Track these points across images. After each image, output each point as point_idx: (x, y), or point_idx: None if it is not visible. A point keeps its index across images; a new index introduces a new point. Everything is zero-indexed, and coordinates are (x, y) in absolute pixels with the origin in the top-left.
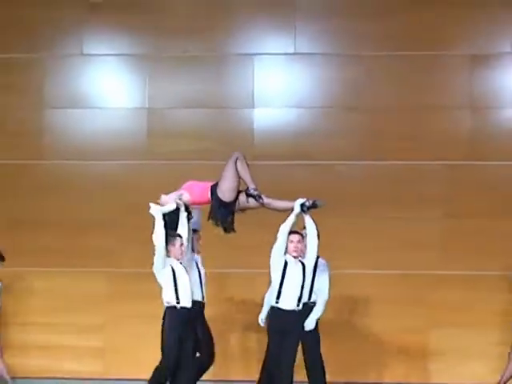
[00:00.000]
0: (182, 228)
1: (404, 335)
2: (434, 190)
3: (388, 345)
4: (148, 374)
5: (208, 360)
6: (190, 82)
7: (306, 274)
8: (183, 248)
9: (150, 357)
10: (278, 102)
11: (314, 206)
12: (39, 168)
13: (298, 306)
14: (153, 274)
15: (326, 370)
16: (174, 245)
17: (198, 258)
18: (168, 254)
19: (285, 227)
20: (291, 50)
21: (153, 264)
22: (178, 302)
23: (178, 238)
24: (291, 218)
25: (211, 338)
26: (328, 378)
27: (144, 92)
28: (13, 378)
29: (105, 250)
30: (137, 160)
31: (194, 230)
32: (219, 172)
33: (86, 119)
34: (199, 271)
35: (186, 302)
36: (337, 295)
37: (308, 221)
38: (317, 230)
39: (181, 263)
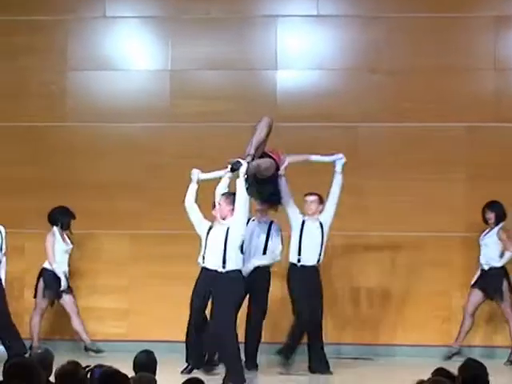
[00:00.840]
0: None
1: (430, 297)
2: (458, 152)
3: (412, 306)
4: (172, 336)
5: None
6: (213, 43)
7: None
8: None
9: (174, 318)
10: (300, 64)
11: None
12: (62, 130)
13: None
14: (176, 236)
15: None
16: None
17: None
18: None
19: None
20: (314, 12)
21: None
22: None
23: None
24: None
25: None
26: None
27: (166, 54)
28: (41, 340)
29: (128, 212)
30: (159, 122)
31: None
32: (241, 133)
33: (109, 81)
34: None
35: None
36: (367, 257)
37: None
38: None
39: None
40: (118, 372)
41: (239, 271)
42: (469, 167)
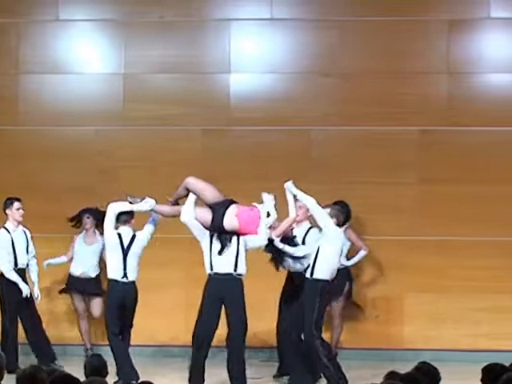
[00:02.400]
0: None
1: (378, 300)
2: (410, 155)
3: (368, 309)
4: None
5: None
6: (166, 47)
7: None
8: None
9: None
10: (254, 68)
11: None
12: (14, 134)
13: None
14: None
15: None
16: None
17: None
18: None
19: None
20: (267, 16)
21: None
22: None
23: None
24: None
25: None
26: None
27: (120, 57)
28: None
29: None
30: (112, 126)
31: None
32: (194, 137)
33: (62, 85)
34: None
35: None
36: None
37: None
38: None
39: None
40: (68, 375)
41: None
42: (421, 171)
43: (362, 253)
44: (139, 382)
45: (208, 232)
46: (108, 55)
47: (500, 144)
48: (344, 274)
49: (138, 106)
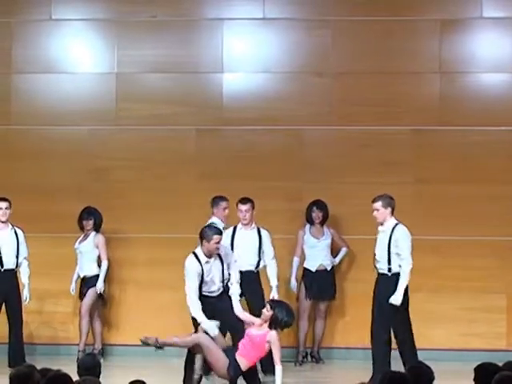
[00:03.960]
0: None
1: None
2: (402, 155)
3: (355, 309)
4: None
5: None
6: (159, 46)
7: None
8: None
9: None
10: (246, 67)
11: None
12: (7, 133)
13: None
14: (121, 239)
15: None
16: None
17: None
18: None
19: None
20: (260, 15)
21: None
22: None
23: None
24: None
25: None
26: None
27: (113, 57)
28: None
29: (72, 216)
30: (105, 125)
31: None
32: (187, 136)
33: (54, 84)
34: None
35: None
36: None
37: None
38: None
39: None
40: (63, 375)
41: None
42: (414, 170)
43: (344, 250)
44: (131, 381)
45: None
46: (101, 55)
47: (492, 144)
48: (333, 274)
49: (130, 106)
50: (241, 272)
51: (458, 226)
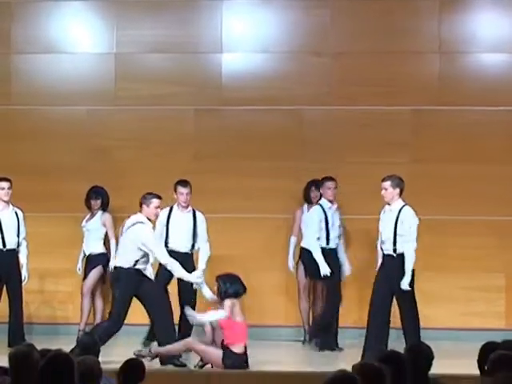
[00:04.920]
0: None
1: (371, 279)
2: (401, 135)
3: (353, 289)
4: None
5: None
6: (158, 26)
7: None
8: None
9: None
10: (245, 47)
11: None
12: (7, 113)
13: None
14: (120, 219)
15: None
16: None
17: None
18: None
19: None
20: None
21: None
22: None
23: None
24: None
25: None
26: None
27: (112, 37)
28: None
29: (72, 195)
30: (105, 105)
31: None
32: (186, 116)
33: (54, 64)
34: None
35: None
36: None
37: None
38: None
39: None
40: (63, 354)
41: None
42: (413, 150)
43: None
44: (127, 359)
45: None
46: (100, 35)
47: (491, 123)
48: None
49: (129, 86)
50: (176, 253)
51: (457, 206)
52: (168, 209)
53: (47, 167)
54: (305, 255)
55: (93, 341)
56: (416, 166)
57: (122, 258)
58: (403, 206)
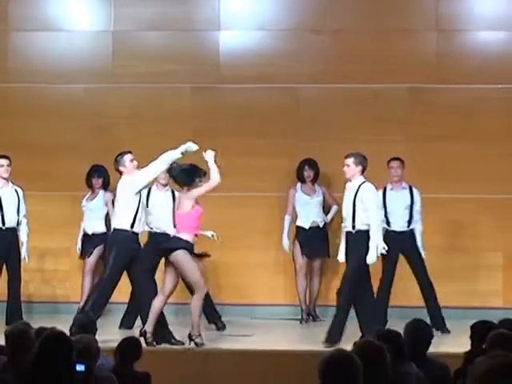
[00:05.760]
0: None
1: None
2: (399, 113)
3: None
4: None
5: None
6: (155, 4)
7: None
8: None
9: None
10: (243, 25)
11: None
12: (4, 91)
13: None
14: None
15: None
16: None
17: None
18: None
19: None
20: None
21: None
22: None
23: None
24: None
25: None
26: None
27: (109, 15)
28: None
29: (70, 174)
30: (102, 83)
31: None
32: (184, 94)
33: (51, 42)
34: None
35: None
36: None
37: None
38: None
39: None
40: (59, 333)
41: None
42: (409, 128)
43: (335, 208)
44: (124, 337)
45: None
46: (97, 12)
47: (488, 101)
48: (326, 231)
49: (127, 63)
50: (160, 234)
51: (454, 184)
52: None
53: (45, 145)
54: (301, 234)
55: (90, 319)
56: (413, 144)
57: (116, 219)
58: (362, 182)
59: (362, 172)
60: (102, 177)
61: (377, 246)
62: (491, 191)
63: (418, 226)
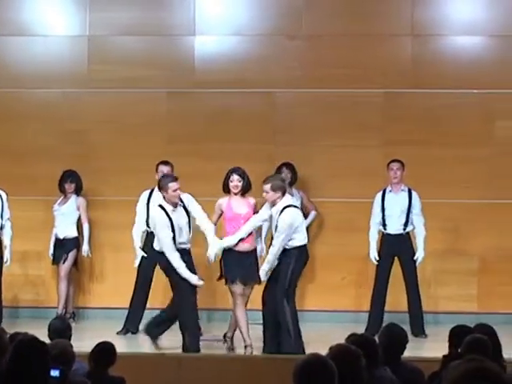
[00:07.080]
0: None
1: (344, 263)
2: (375, 117)
3: (324, 272)
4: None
5: None
6: (131, 9)
7: None
8: None
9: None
10: (218, 30)
11: None
12: None
13: None
14: (94, 202)
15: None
16: None
17: None
18: None
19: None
20: None
21: None
22: None
23: None
24: None
25: None
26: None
27: (84, 19)
28: None
29: (45, 179)
30: (77, 88)
31: None
32: (159, 99)
33: (26, 47)
34: None
35: None
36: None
37: None
38: None
39: None
40: (34, 339)
41: None
42: (385, 133)
43: (313, 213)
44: (98, 342)
45: None
46: (73, 17)
47: (464, 106)
48: None
49: (102, 68)
50: None
51: (429, 189)
52: (148, 192)
53: (21, 150)
54: None
55: (64, 324)
56: (388, 149)
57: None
58: (286, 206)
59: (283, 194)
60: (74, 182)
61: (270, 268)
62: (466, 196)
63: (419, 230)
